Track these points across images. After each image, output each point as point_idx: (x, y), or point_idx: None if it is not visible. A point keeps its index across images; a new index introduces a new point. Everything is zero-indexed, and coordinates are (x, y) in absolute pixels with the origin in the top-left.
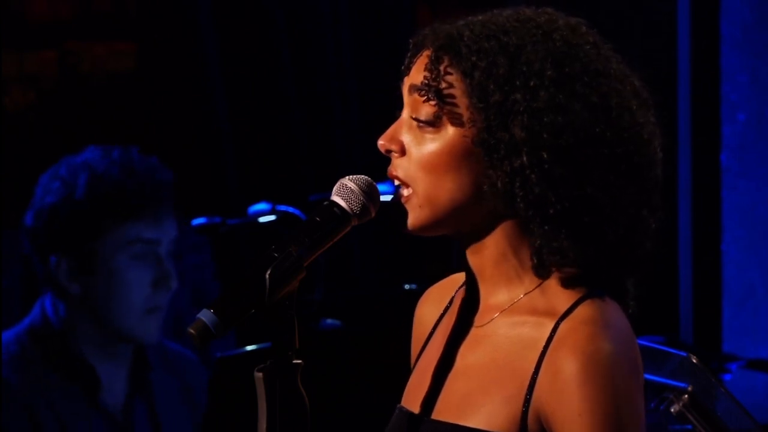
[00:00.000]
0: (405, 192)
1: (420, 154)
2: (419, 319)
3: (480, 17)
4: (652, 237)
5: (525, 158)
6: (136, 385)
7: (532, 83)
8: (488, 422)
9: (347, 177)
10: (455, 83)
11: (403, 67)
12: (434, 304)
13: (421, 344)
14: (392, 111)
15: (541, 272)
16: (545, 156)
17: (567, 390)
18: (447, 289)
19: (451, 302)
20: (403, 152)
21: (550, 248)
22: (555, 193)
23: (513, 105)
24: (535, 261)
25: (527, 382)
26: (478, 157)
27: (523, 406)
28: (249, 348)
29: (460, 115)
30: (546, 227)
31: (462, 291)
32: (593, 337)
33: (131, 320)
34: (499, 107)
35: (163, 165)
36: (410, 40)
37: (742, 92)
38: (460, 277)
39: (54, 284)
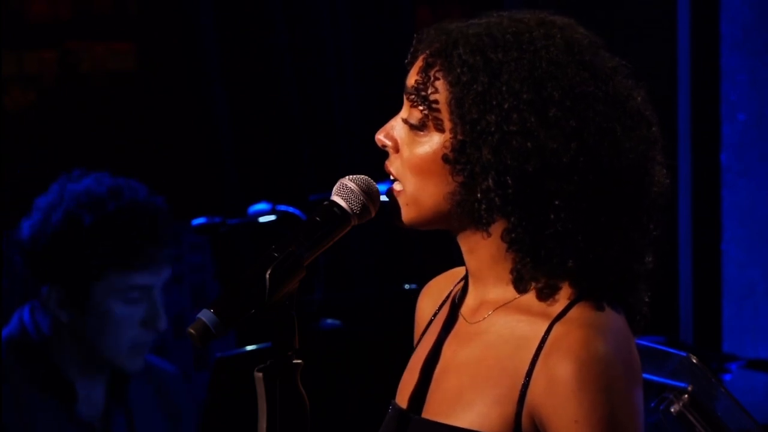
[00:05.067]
0: (397, 186)
1: (409, 155)
2: (418, 313)
3: (485, 20)
4: (647, 254)
5: (491, 181)
6: (115, 395)
7: (506, 105)
8: (480, 422)
9: (347, 177)
10: (442, 91)
11: (406, 62)
12: (433, 298)
13: (419, 338)
14: (392, 111)
15: (519, 286)
16: (509, 181)
17: (562, 396)
18: (446, 283)
19: (448, 297)
20: (396, 149)
21: (520, 267)
22: (518, 218)
23: (486, 125)
24: (514, 275)
25: (520, 383)
26: (453, 170)
27: (517, 406)
28: (249, 348)
29: (444, 123)
30: (508, 250)
31: (459, 286)
32: (588, 340)
33: (116, 354)
34: (473, 125)
35: (167, 205)
36: (415, 36)
37: (742, 92)
38: (459, 271)
39: (44, 306)
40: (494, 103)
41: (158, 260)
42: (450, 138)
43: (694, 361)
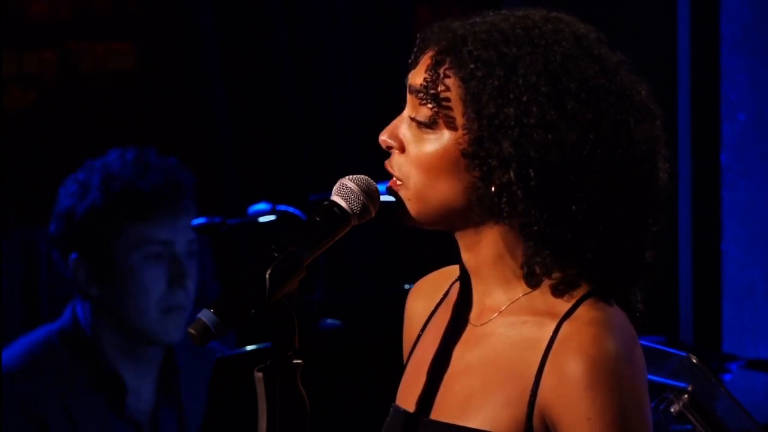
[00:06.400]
0: (397, 181)
1: (416, 153)
2: (410, 313)
3: (489, 18)
4: (651, 249)
5: (512, 174)
6: (165, 391)
7: (525, 98)
8: (491, 423)
9: (347, 177)
10: (453, 88)
11: (409, 61)
12: (426, 298)
13: (413, 339)
14: (392, 111)
15: (531, 282)
16: (532, 173)
17: (574, 394)
18: (439, 283)
19: (444, 297)
20: (402, 149)
21: (535, 262)
22: (539, 210)
23: (505, 119)
24: (525, 270)
25: (530, 384)
26: (469, 165)
27: (528, 407)
28: (249, 348)
29: (457, 120)
30: (530, 242)
31: (457, 286)
32: (598, 339)
33: (149, 320)
34: (491, 120)
35: (181, 165)
36: (418, 35)
37: (742, 92)
38: (452, 270)
39: (77, 288)
40: (512, 96)
41: (175, 213)
42: (463, 134)
43: (694, 361)
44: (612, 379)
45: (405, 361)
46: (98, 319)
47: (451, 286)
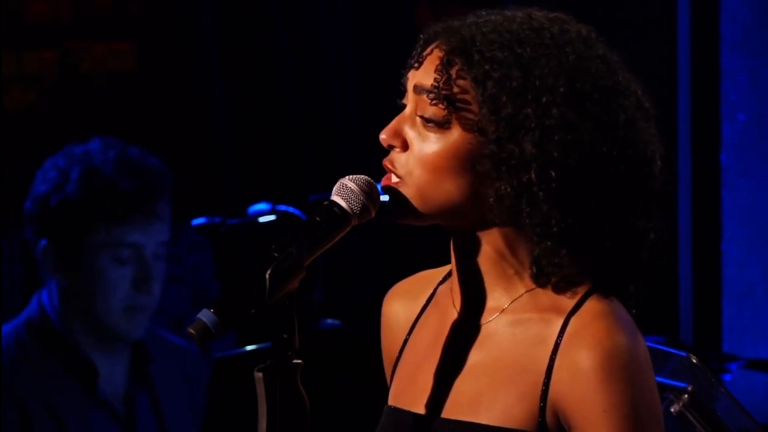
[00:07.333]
0: (393, 179)
1: (422, 152)
2: (392, 317)
3: (492, 17)
4: (650, 246)
5: (533, 175)
6: (137, 375)
7: (544, 99)
8: (504, 419)
9: (347, 177)
10: (467, 88)
11: (412, 60)
12: (407, 301)
13: (399, 342)
14: (392, 111)
15: (540, 281)
16: (553, 174)
17: (589, 386)
18: (420, 286)
19: (429, 299)
20: (405, 148)
21: (549, 261)
22: (560, 210)
23: (524, 120)
24: (534, 270)
25: (542, 378)
26: (483, 166)
27: (540, 401)
28: (249, 348)
29: (469, 121)
30: (548, 242)
31: (446, 287)
32: (609, 331)
33: (112, 317)
34: (510, 120)
35: (162, 165)
36: (420, 35)
37: (742, 92)
38: (431, 273)
39: (44, 270)
40: (530, 97)
41: (149, 216)
42: (477, 135)
43: (694, 361)
44: (626, 371)
45: (393, 364)
46: (67, 305)
47: (437, 287)
